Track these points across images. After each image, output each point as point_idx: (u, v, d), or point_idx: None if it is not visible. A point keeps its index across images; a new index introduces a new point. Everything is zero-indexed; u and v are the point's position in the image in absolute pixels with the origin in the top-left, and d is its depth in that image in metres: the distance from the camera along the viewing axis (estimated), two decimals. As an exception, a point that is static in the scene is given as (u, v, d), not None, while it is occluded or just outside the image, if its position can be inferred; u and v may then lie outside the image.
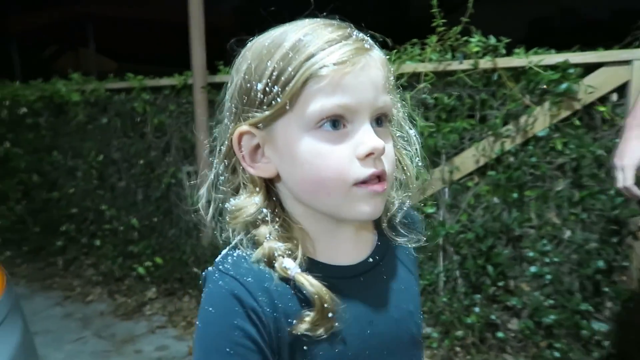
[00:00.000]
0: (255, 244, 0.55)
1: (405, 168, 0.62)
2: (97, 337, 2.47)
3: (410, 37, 2.25)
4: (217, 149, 0.59)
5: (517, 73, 2.08)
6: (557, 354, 1.93)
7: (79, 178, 3.42)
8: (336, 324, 0.53)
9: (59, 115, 3.53)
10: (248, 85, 0.54)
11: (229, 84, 0.58)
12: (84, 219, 3.38)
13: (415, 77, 2.17)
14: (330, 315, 0.52)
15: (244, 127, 0.55)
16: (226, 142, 0.57)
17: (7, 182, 3.74)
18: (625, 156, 1.31)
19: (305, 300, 0.53)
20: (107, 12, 6.47)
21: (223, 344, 0.50)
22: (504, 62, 2.09)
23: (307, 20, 0.55)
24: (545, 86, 2.03)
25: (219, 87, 2.78)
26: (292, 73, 0.51)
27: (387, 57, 0.58)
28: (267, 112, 0.53)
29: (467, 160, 2.20)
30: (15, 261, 3.50)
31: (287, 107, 0.51)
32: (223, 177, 0.59)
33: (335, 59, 0.50)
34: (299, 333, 0.52)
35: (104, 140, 3.30)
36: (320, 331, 0.52)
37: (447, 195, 2.24)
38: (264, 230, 0.55)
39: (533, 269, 2.05)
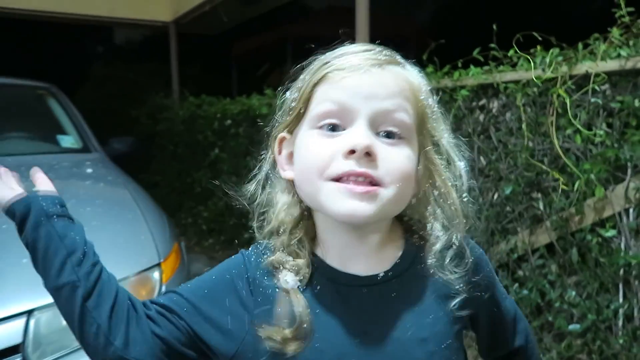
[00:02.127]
0: (271, 250, 0.62)
1: (451, 202, 0.59)
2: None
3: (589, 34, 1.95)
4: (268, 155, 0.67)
5: None
6: None
7: (264, 180, 3.92)
8: (301, 349, 0.56)
9: (253, 125, 4.09)
10: (287, 97, 0.61)
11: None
12: (267, 216, 3.85)
13: (587, 79, 1.88)
14: (302, 337, 0.55)
15: (282, 134, 0.62)
16: (273, 148, 0.65)
17: (214, 183, 4.50)
18: None
19: (287, 316, 0.57)
20: (303, 32, 7.20)
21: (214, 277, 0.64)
22: None
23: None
24: None
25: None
26: (308, 79, 0.57)
27: (422, 76, 0.59)
28: (289, 117, 0.59)
29: (663, 176, 1.80)
30: (215, 247, 4.19)
31: (302, 111, 0.56)
32: (269, 178, 0.66)
33: (344, 65, 0.54)
34: (263, 337, 0.56)
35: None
36: (290, 349, 0.55)
37: (631, 218, 1.87)
38: (279, 242, 0.61)
39: None
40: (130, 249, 1.72)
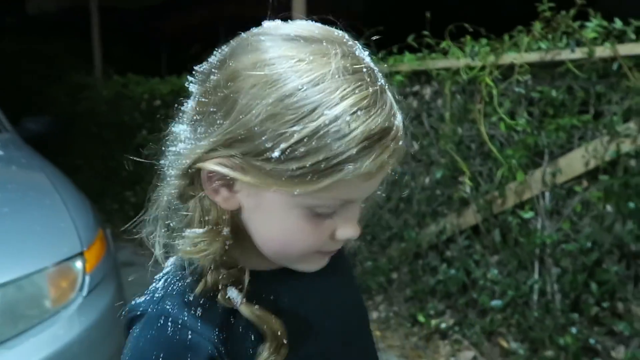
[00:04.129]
0: (197, 274, 0.50)
1: None
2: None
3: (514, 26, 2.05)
4: (170, 166, 0.51)
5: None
6: (671, 396, 1.63)
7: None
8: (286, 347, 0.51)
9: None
10: (248, 128, 0.44)
11: (200, 90, 0.50)
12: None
13: (512, 69, 1.98)
14: (284, 341, 0.50)
15: (222, 161, 0.46)
16: (186, 162, 0.48)
17: (142, 165, 4.29)
18: None
19: (254, 330, 0.51)
20: (236, 12, 7.00)
21: None
22: (626, 49, 1.80)
23: (311, 53, 0.44)
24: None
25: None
26: (322, 166, 0.43)
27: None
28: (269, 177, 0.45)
29: (575, 161, 1.95)
30: (144, 234, 4.01)
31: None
32: (176, 204, 0.52)
33: (367, 170, 0.44)
34: None
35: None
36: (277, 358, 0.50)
37: (547, 200, 2.01)
38: (208, 259, 0.49)
39: (649, 292, 1.75)
40: (48, 238, 1.58)
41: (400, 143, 0.46)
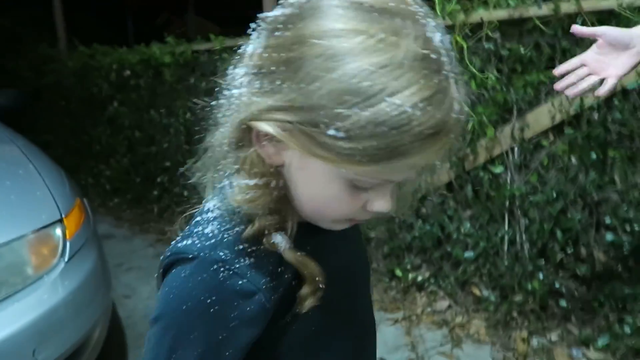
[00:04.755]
0: (245, 221, 0.52)
1: None
2: (179, 276, 2.75)
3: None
4: (223, 112, 0.52)
5: (606, 17, 1.83)
6: (628, 330, 1.76)
7: (171, 134, 3.75)
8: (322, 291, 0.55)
9: (156, 76, 3.85)
10: (308, 99, 0.44)
11: (262, 43, 0.48)
12: (176, 171, 3.72)
13: (481, 27, 2.01)
14: (321, 285, 0.54)
15: (276, 123, 0.46)
16: (239, 117, 0.48)
17: (115, 138, 4.21)
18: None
19: (297, 277, 0.54)
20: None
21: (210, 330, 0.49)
22: (590, 4, 1.85)
23: (382, 30, 0.43)
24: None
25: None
26: (374, 152, 0.44)
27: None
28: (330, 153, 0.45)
29: (542, 116, 2.02)
30: (122, 207, 3.98)
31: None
32: (227, 150, 0.53)
33: (417, 162, 0.45)
34: (302, 312, 0.54)
35: (191, 99, 3.55)
36: (312, 302, 0.54)
37: (516, 155, 2.09)
38: (257, 208, 0.51)
39: (610, 236, 1.86)
40: (25, 206, 1.58)
41: (453, 136, 0.46)
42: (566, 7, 1.88)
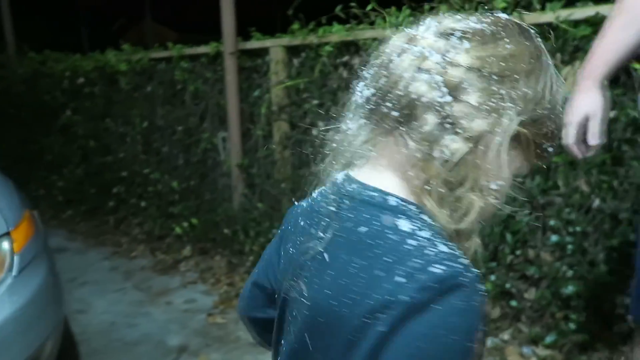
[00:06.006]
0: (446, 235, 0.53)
1: None
2: (136, 289, 2.69)
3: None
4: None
5: (546, 30, 1.94)
6: (573, 326, 1.85)
7: (127, 143, 3.67)
8: None
9: (111, 84, 3.77)
10: (537, 109, 0.54)
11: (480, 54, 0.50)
12: (133, 181, 3.63)
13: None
14: None
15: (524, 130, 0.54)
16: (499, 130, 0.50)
17: (68, 147, 4.08)
18: (569, 112, 1.22)
19: None
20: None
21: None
22: (531, 18, 1.96)
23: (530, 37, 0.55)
24: (575, 43, 1.89)
25: (250, 54, 2.84)
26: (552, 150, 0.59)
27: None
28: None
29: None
30: (75, 219, 3.85)
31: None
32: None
33: None
34: None
35: (148, 107, 3.49)
36: None
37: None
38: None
39: (554, 238, 1.96)
40: (-31, 220, 1.51)
41: None
42: (511, 21, 1.99)
